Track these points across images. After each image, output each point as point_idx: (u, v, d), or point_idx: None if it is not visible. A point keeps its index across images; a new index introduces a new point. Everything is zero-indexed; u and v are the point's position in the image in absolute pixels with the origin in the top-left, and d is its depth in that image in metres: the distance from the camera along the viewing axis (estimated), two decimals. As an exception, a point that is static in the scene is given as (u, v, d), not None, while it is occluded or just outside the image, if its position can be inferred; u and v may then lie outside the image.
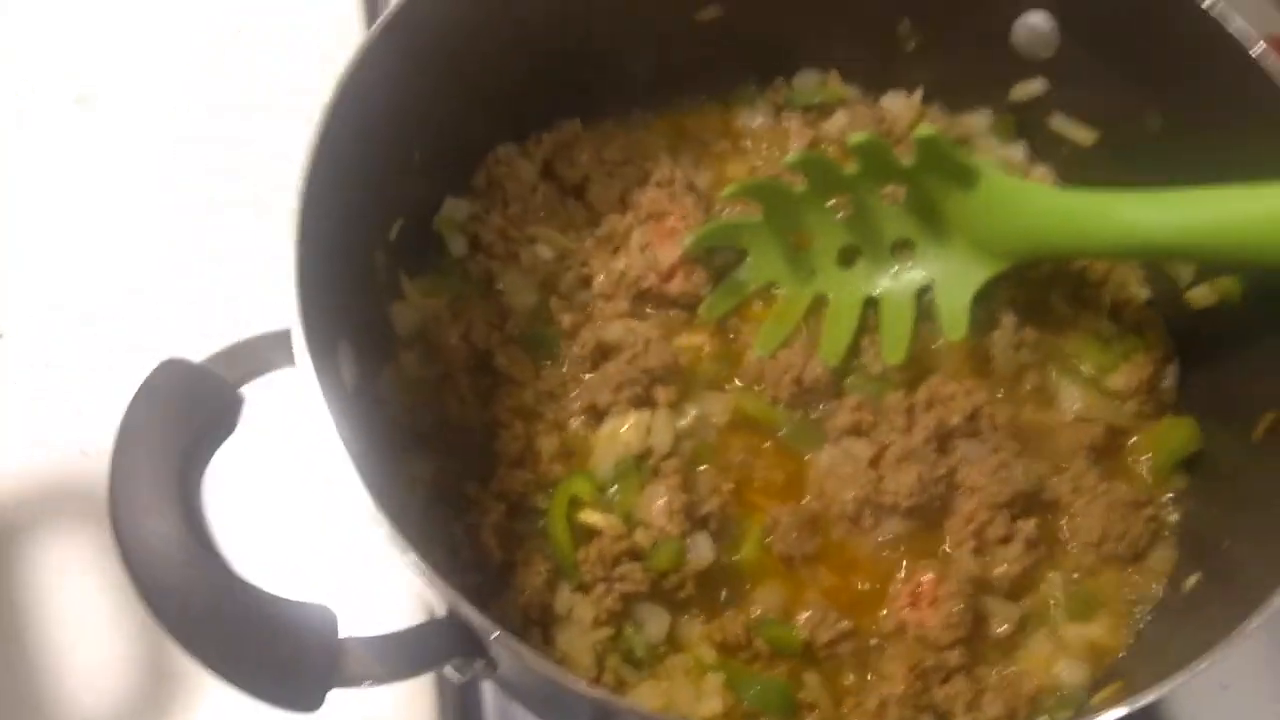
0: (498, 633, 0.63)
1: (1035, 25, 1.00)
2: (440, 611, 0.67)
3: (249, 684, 0.61)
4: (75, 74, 1.28)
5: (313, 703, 0.63)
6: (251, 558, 0.67)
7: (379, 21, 0.85)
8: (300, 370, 0.68)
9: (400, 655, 0.67)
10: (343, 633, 0.66)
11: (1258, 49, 0.84)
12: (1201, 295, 0.95)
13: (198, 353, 0.73)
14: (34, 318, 1.16)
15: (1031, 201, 0.90)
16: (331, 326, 0.80)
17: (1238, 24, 0.84)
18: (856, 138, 0.92)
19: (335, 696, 0.89)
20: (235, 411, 0.72)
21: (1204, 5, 0.86)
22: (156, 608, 0.62)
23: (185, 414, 0.70)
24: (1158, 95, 0.95)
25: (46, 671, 0.99)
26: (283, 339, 0.70)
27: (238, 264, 0.98)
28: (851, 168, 0.96)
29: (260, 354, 0.73)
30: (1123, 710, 0.66)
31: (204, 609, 0.63)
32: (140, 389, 0.70)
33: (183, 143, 1.23)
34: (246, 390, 0.73)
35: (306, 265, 0.74)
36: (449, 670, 0.71)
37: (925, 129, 0.89)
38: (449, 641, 0.67)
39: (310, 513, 0.92)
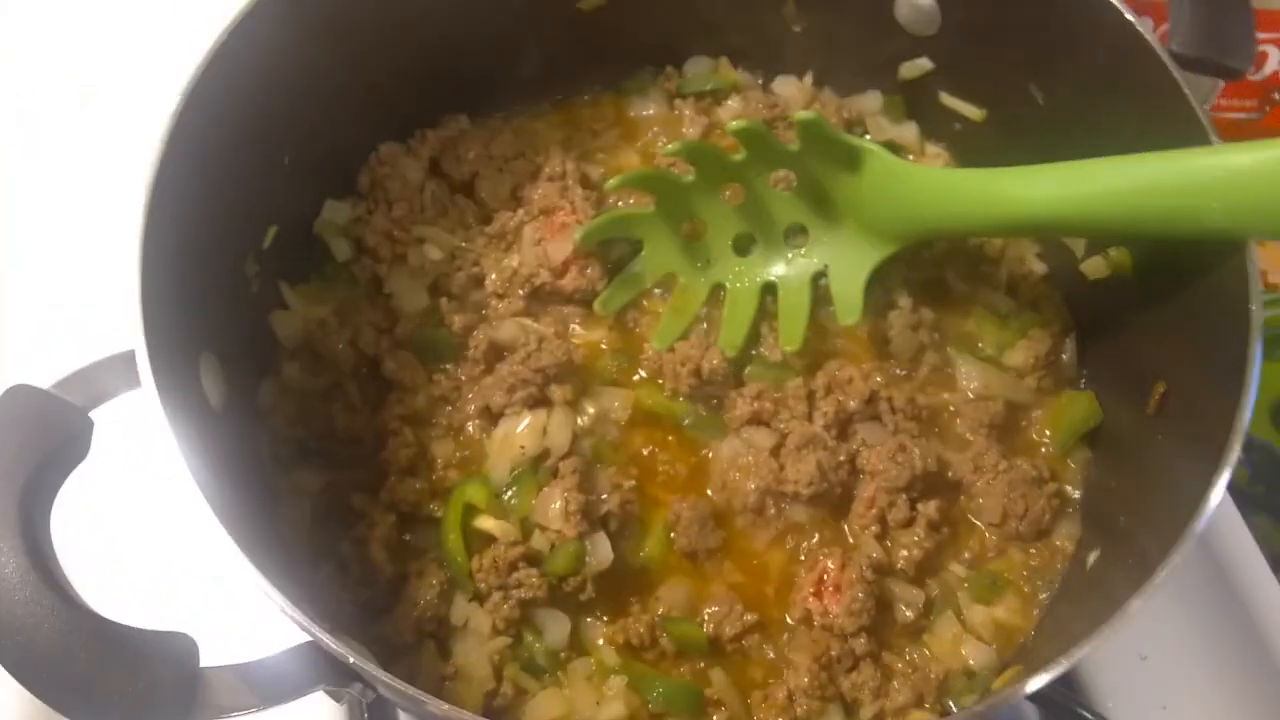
0: (352, 659, 0.59)
1: (917, 1, 0.99)
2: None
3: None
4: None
5: (171, 737, 0.59)
6: (106, 589, 0.63)
7: (227, 25, 0.81)
8: (145, 393, 0.64)
9: (267, 683, 0.63)
10: (206, 661, 0.62)
11: (1130, 14, 0.84)
12: (1095, 267, 0.95)
13: (46, 378, 0.69)
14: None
15: (915, 182, 0.89)
16: (190, 342, 0.76)
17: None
18: (735, 124, 0.90)
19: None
20: (86, 437, 0.68)
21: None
22: (-3, 649, 0.58)
23: (31, 442, 0.66)
24: (1039, 68, 0.94)
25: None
26: (127, 361, 0.66)
27: (90, 283, 0.93)
28: (738, 155, 0.95)
29: (112, 376, 0.69)
30: (1022, 692, 0.64)
31: (50, 647, 0.59)
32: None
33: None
34: (98, 414, 0.69)
35: (154, 281, 0.70)
36: (325, 693, 0.67)
37: (804, 113, 0.88)
38: (318, 667, 0.64)
39: (171, 539, 0.87)
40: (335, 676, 0.64)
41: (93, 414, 0.69)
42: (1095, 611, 0.72)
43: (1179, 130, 0.80)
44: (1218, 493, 0.68)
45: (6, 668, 0.59)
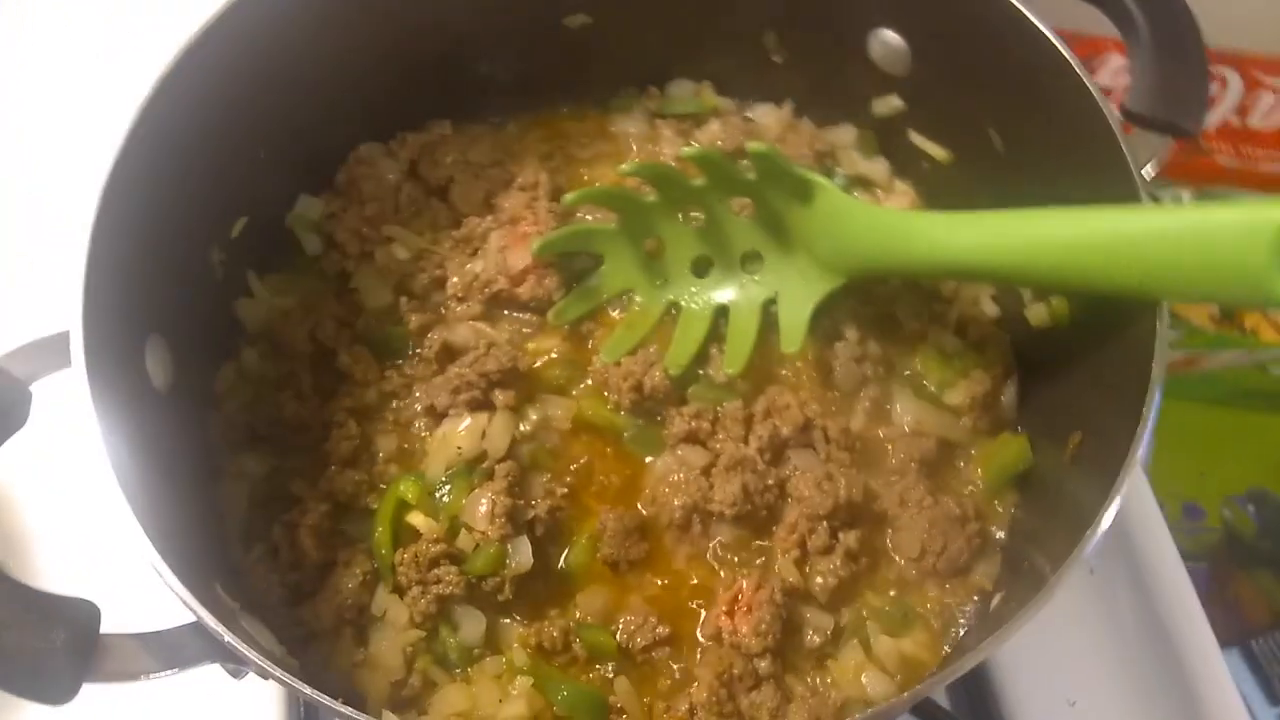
0: (228, 637, 0.63)
1: (888, 41, 1.01)
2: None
3: (-5, 674, 0.61)
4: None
5: (64, 695, 0.63)
6: (25, 554, 0.67)
7: (210, 16, 0.85)
8: (75, 371, 0.68)
9: (163, 653, 0.66)
10: (108, 629, 0.66)
11: (1082, 73, 0.85)
12: (1037, 314, 0.96)
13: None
14: None
15: (858, 218, 0.90)
16: (137, 324, 0.80)
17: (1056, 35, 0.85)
18: (688, 150, 0.93)
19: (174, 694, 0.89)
20: (23, 407, 0.72)
21: (1035, 22, 0.87)
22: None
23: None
24: (999, 116, 0.96)
25: None
26: (64, 341, 0.70)
27: (43, 261, 0.97)
28: (698, 179, 0.97)
29: (52, 353, 0.73)
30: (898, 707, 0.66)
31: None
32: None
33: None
34: (39, 387, 0.72)
35: (103, 263, 0.74)
36: (223, 670, 0.71)
37: (757, 144, 0.90)
38: (211, 644, 0.67)
39: (93, 512, 0.91)
40: (225, 655, 0.67)
41: (34, 386, 0.72)
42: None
43: (1116, 189, 0.81)
44: (1107, 518, 0.71)
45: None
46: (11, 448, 0.70)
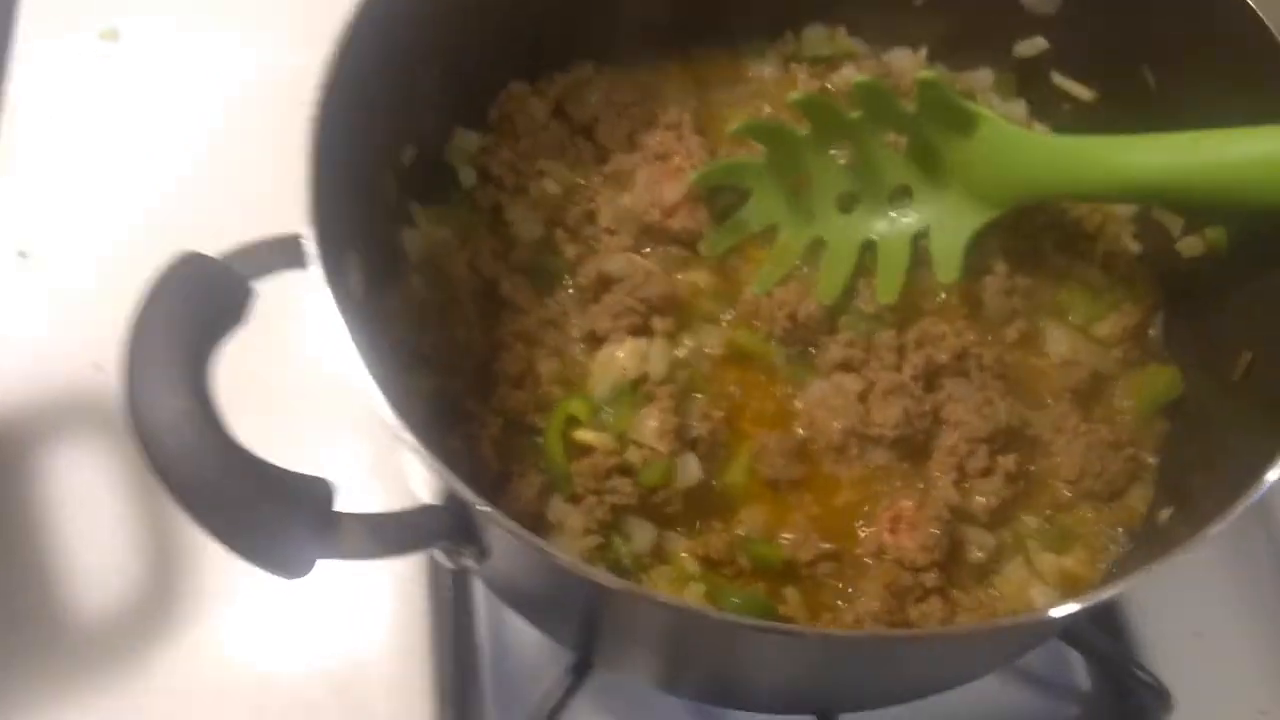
0: (489, 509, 0.66)
1: (1041, -18, 1.02)
2: (434, 498, 0.70)
3: (241, 544, 0.65)
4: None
5: (300, 569, 0.66)
6: (259, 437, 0.70)
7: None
8: (310, 271, 0.72)
9: (391, 534, 0.70)
10: (340, 508, 0.69)
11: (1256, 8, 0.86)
12: (1190, 246, 0.97)
13: (215, 250, 0.77)
14: (56, 238, 1.20)
15: (1027, 147, 0.92)
16: (341, 237, 0.83)
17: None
18: (860, 79, 0.95)
19: (335, 583, 0.93)
20: (246, 303, 0.75)
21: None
22: (163, 472, 0.65)
23: (198, 303, 0.73)
24: (1155, 52, 0.97)
25: (61, 573, 1.03)
26: (292, 243, 0.73)
27: (257, 173, 1.02)
28: (854, 113, 0.99)
29: (273, 254, 0.76)
30: (1050, 614, 0.68)
31: (207, 474, 0.66)
32: (158, 278, 0.73)
33: (205, 64, 1.29)
34: (259, 285, 0.76)
35: (319, 176, 0.77)
36: (438, 555, 0.74)
37: (925, 72, 0.92)
38: (442, 525, 0.70)
39: (317, 401, 0.95)
40: (456, 535, 0.70)
41: (255, 284, 0.76)
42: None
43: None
44: (1277, 470, 0.71)
45: (174, 494, 0.66)
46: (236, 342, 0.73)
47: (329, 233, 0.79)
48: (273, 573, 0.67)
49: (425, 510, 0.70)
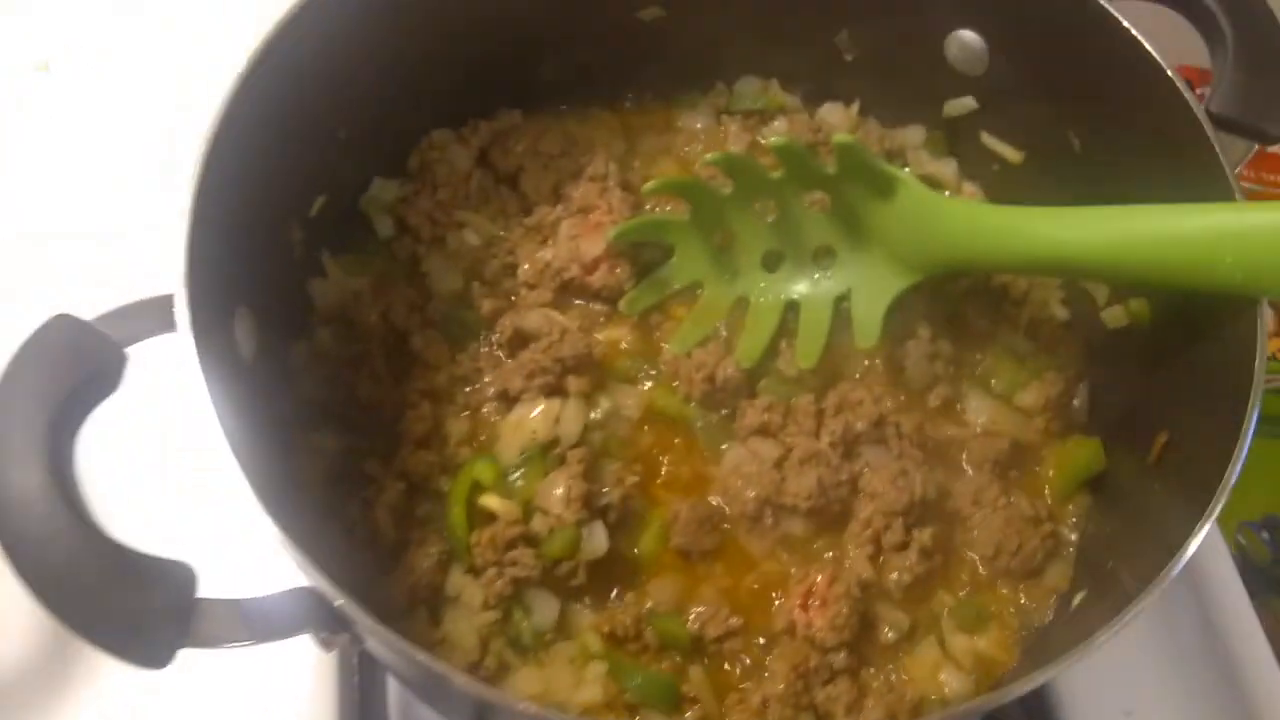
0: (341, 601, 0.62)
1: (966, 42, 1.01)
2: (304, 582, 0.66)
3: (95, 635, 0.61)
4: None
5: (160, 660, 0.63)
6: (122, 515, 0.67)
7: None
8: (181, 336, 0.68)
9: (257, 621, 0.66)
10: (203, 593, 0.66)
11: (1174, 75, 0.85)
12: (1114, 316, 0.96)
13: (88, 311, 0.73)
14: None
15: (946, 213, 0.90)
16: (228, 295, 0.80)
17: (1151, 46, 0.85)
18: (776, 140, 0.93)
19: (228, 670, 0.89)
20: (119, 370, 0.71)
21: (1124, 23, 0.87)
22: (11, 552, 0.62)
23: (65, 369, 0.69)
24: (1078, 115, 0.96)
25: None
26: (168, 304, 0.70)
27: (141, 228, 0.98)
28: (776, 172, 0.97)
29: (151, 317, 0.73)
30: (977, 709, 0.66)
31: (60, 560, 0.62)
32: (26, 342, 0.70)
33: (104, 110, 1.24)
34: (134, 351, 0.72)
35: (202, 232, 0.74)
36: (315, 641, 0.70)
37: (843, 136, 0.89)
38: (311, 611, 0.67)
39: (188, 475, 0.91)
40: (326, 623, 0.67)
41: (129, 350, 0.72)
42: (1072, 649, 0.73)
43: (1208, 190, 0.81)
44: (1197, 540, 0.69)
45: (18, 574, 0.62)
46: (107, 410, 0.70)
47: (213, 292, 0.76)
48: (130, 663, 0.63)
49: (293, 595, 0.67)
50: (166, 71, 1.27)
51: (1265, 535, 1.61)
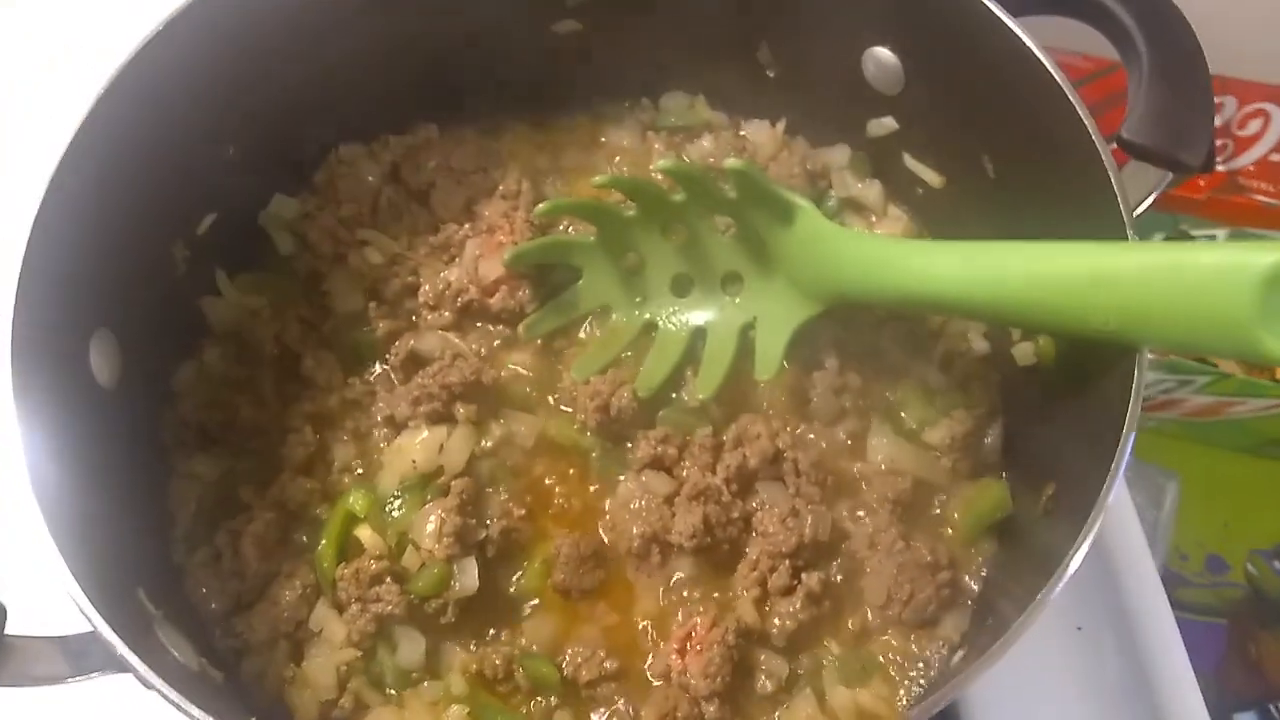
0: (121, 649, 0.60)
1: (882, 60, 0.97)
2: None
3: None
4: None
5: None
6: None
7: (175, 8, 0.83)
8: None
9: (69, 659, 0.64)
10: (13, 630, 0.64)
11: (1075, 100, 0.81)
12: (1023, 353, 0.91)
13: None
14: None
15: (837, 243, 0.86)
16: (82, 318, 0.78)
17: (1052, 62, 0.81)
18: (663, 164, 0.89)
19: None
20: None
21: (1027, 42, 0.83)
22: None
23: None
24: (991, 142, 0.92)
25: None
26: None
27: None
28: (678, 195, 0.93)
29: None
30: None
31: None
32: None
33: None
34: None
35: (40, 258, 0.72)
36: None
37: (734, 161, 0.86)
38: (110, 653, 0.65)
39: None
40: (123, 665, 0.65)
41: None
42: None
43: (1102, 225, 0.77)
44: (1075, 561, 0.68)
45: None
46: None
47: (57, 318, 0.74)
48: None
49: (93, 636, 0.64)
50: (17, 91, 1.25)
51: (1277, 564, 1.55)
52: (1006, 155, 0.90)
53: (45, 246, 0.73)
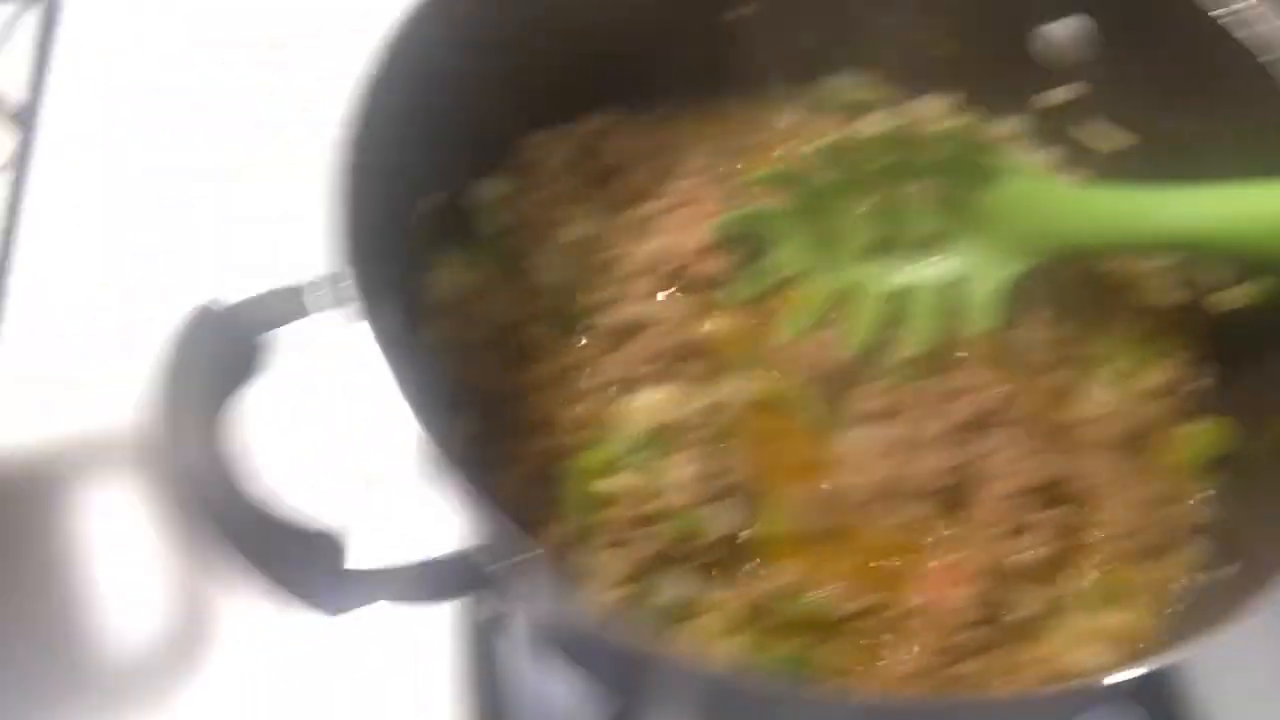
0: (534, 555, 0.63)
1: (1066, 31, 1.01)
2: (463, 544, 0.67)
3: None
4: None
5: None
6: (275, 490, 0.68)
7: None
8: (346, 315, 0.71)
9: (408, 587, 0.67)
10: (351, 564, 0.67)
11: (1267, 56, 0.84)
12: (1235, 296, 0.94)
13: (233, 297, 0.75)
14: (77, 285, 1.20)
15: (1056, 197, 0.90)
16: (374, 281, 0.81)
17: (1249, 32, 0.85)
18: (875, 131, 0.93)
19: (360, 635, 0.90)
20: (262, 355, 0.74)
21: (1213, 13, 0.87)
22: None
23: (212, 358, 0.72)
24: (1182, 103, 0.95)
25: (89, 611, 1.01)
26: (296, 293, 0.73)
27: (265, 220, 1.01)
28: (881, 160, 0.97)
29: (282, 305, 0.75)
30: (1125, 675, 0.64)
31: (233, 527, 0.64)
32: (178, 335, 0.72)
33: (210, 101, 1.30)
34: (274, 336, 0.75)
35: (353, 219, 0.76)
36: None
37: (949, 123, 0.89)
38: (458, 578, 0.67)
39: (335, 452, 0.93)
40: (476, 587, 0.67)
41: (268, 335, 0.74)
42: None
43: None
44: None
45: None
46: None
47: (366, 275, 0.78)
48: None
49: (442, 564, 0.67)
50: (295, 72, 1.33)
51: None
52: (1200, 118, 0.93)
53: (344, 212, 0.77)
